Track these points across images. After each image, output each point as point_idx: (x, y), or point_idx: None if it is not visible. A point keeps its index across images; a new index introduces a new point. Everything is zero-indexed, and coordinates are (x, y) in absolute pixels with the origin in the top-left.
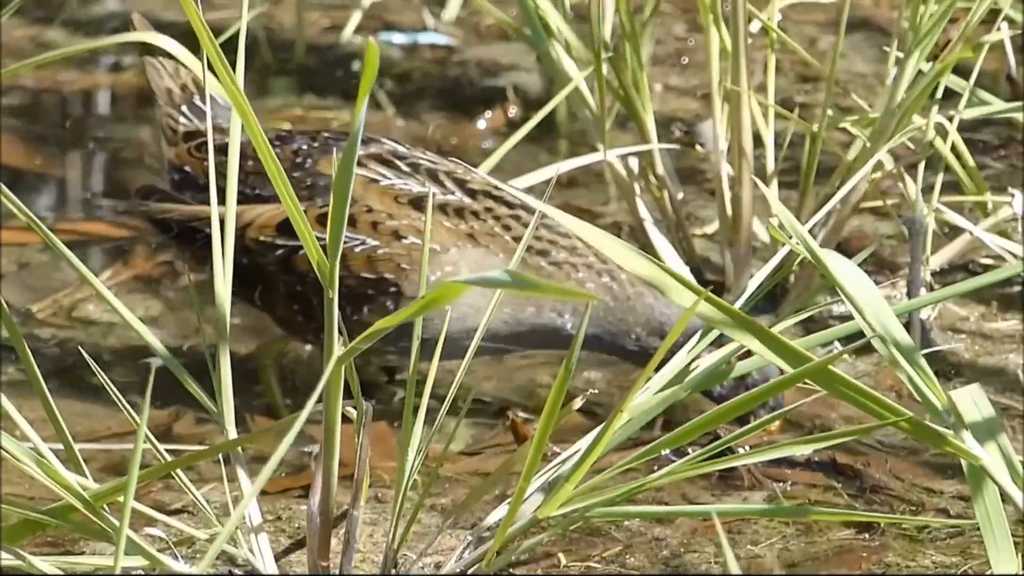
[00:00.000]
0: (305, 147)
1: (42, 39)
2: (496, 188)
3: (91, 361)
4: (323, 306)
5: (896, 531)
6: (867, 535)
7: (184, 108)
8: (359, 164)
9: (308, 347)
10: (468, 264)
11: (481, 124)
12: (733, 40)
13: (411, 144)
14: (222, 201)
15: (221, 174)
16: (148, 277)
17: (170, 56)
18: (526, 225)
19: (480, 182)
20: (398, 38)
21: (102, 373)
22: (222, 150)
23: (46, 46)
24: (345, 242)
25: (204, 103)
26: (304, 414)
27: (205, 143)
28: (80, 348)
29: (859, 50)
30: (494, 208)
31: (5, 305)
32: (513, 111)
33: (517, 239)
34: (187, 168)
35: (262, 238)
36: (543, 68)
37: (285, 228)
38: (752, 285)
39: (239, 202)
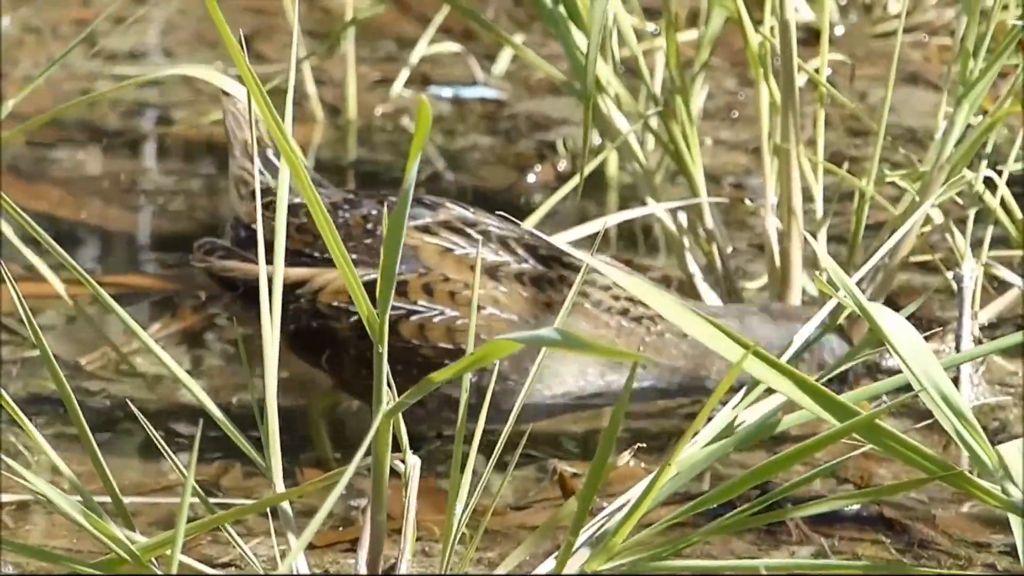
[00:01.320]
0: (375, 212)
1: (91, 91)
2: (565, 254)
3: (139, 414)
4: (397, 375)
5: None
6: None
7: (258, 161)
8: (431, 232)
9: (357, 402)
10: None
11: (531, 178)
12: (783, 94)
13: (468, 203)
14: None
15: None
16: (196, 330)
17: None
18: (603, 289)
19: (548, 248)
20: (448, 92)
21: (150, 426)
22: (292, 211)
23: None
24: (423, 311)
25: (278, 158)
26: (351, 468)
27: (274, 202)
28: (128, 401)
29: (909, 104)
30: (567, 276)
31: (53, 358)
32: (563, 165)
33: (596, 305)
34: (254, 227)
35: (335, 303)
36: (593, 122)
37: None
38: (799, 339)
39: (309, 265)
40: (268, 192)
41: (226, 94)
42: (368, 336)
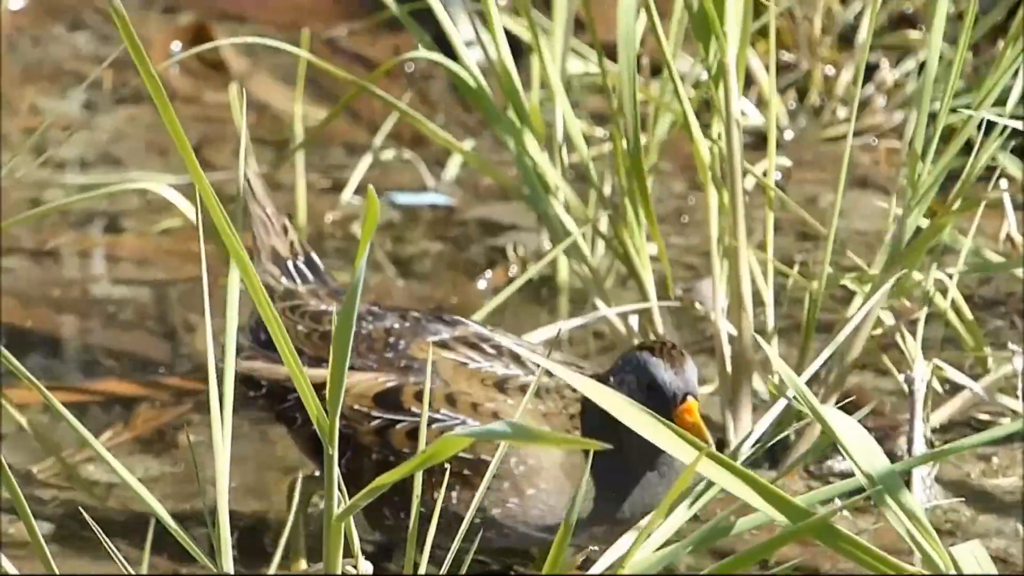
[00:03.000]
0: (397, 326)
1: (41, 200)
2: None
3: (92, 522)
4: (408, 480)
5: None
6: None
7: (289, 266)
8: (447, 347)
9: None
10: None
11: (482, 284)
12: (731, 198)
13: (420, 309)
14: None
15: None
16: (149, 438)
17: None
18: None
19: (557, 359)
20: (398, 198)
21: (103, 534)
22: (316, 317)
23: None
24: (444, 420)
25: (308, 266)
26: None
27: (299, 307)
28: (81, 509)
29: (858, 208)
30: (560, 387)
31: (7, 466)
32: (514, 270)
33: (572, 417)
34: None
35: (357, 407)
36: (543, 227)
37: (382, 400)
38: (751, 439)
39: (322, 367)
40: (292, 296)
41: (258, 202)
42: (388, 444)
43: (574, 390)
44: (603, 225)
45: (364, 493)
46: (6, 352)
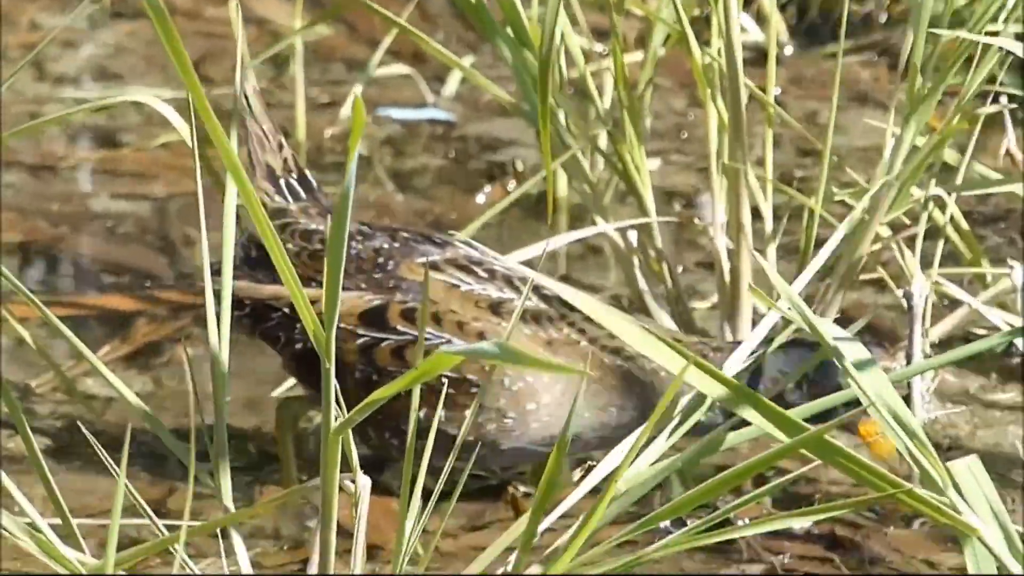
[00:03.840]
0: (386, 246)
1: (40, 114)
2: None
3: (89, 435)
4: (394, 399)
5: None
6: None
7: (282, 184)
8: (438, 269)
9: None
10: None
11: (480, 199)
12: (731, 115)
13: (420, 224)
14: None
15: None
16: (147, 352)
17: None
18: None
19: (550, 288)
20: (397, 114)
21: (100, 448)
22: (306, 236)
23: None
24: (429, 339)
25: (301, 184)
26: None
27: (289, 225)
28: (79, 423)
29: (858, 124)
30: (568, 314)
31: (4, 380)
32: (512, 186)
33: (593, 341)
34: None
35: (342, 325)
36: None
37: (368, 318)
38: (745, 352)
39: (311, 287)
40: (282, 214)
41: (252, 117)
42: (373, 362)
43: (591, 322)
44: (603, 142)
45: (361, 407)
46: (3, 268)
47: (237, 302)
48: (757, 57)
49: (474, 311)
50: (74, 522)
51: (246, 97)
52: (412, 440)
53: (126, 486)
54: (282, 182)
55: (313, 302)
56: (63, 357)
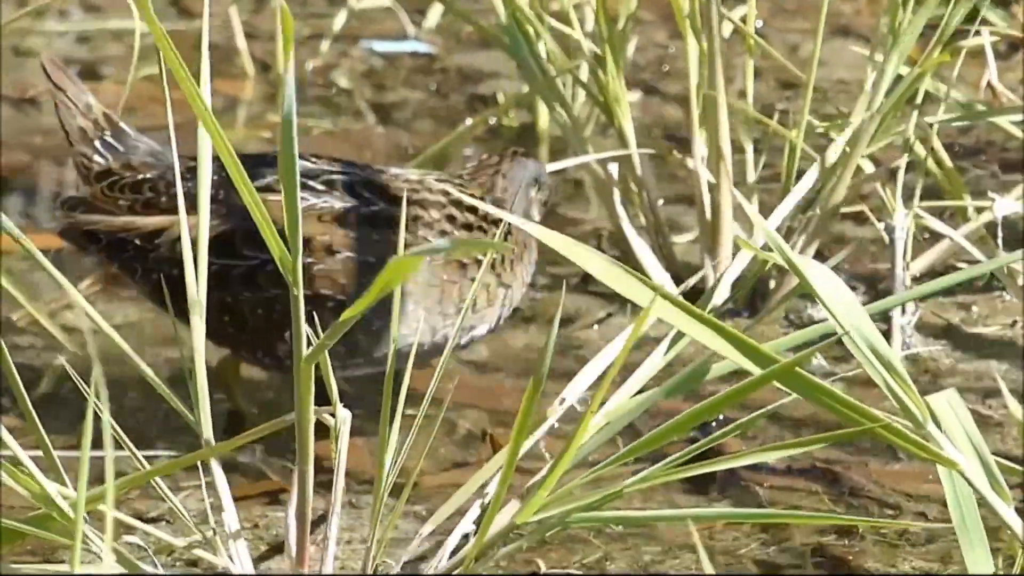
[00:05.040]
0: (216, 177)
1: (20, 47)
2: (414, 191)
3: (69, 368)
4: (253, 322)
5: (875, 536)
6: (846, 540)
7: (97, 145)
8: (273, 190)
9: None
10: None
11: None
12: (709, 47)
13: (403, 157)
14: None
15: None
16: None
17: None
18: (465, 226)
19: (401, 186)
20: (379, 46)
21: (81, 381)
22: (135, 188)
23: (25, 53)
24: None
25: (116, 139)
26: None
27: (116, 182)
28: (60, 357)
29: (840, 57)
30: (423, 215)
31: None
32: (494, 119)
33: (428, 227)
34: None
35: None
36: (523, 75)
37: (216, 246)
38: (724, 286)
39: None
40: (107, 175)
41: (56, 87)
42: (225, 285)
43: (444, 208)
44: (584, 75)
45: (331, 332)
46: None
47: (93, 236)
48: None
49: (318, 227)
50: (56, 454)
51: (44, 68)
52: (391, 373)
53: (108, 421)
54: (97, 143)
55: (161, 231)
56: (43, 290)
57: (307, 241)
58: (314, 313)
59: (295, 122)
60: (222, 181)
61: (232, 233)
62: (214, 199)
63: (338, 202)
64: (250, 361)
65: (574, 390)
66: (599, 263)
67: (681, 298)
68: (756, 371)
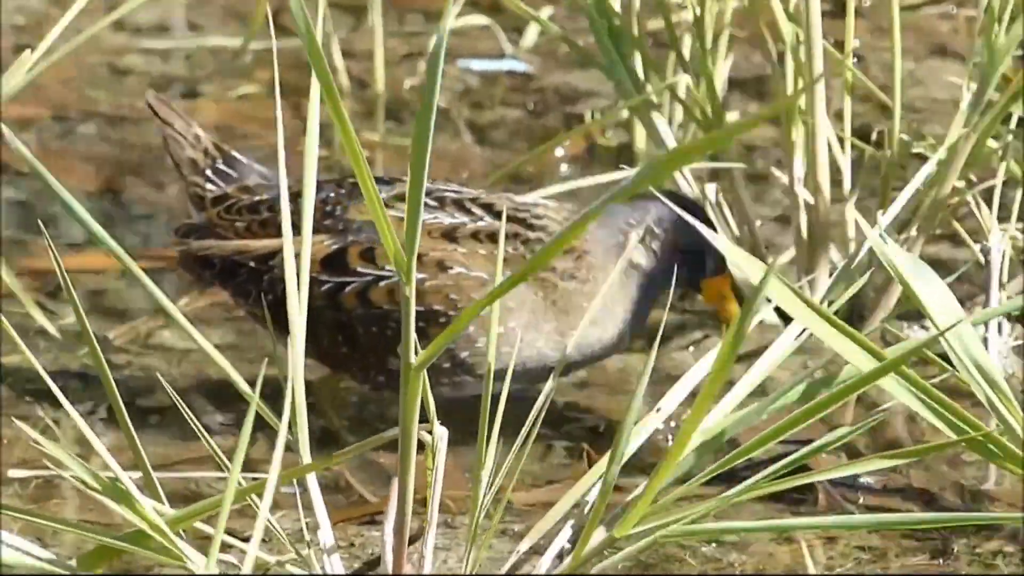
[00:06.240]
0: (333, 195)
1: (118, 65)
2: (523, 211)
3: (168, 387)
4: (365, 339)
5: (970, 556)
6: (941, 560)
7: (209, 173)
8: (388, 206)
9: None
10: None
11: (559, 151)
12: (807, 71)
13: (497, 179)
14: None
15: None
16: (224, 304)
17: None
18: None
19: (508, 205)
20: (476, 65)
21: (179, 399)
22: (252, 209)
23: (123, 72)
24: (391, 276)
25: (228, 165)
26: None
27: (233, 205)
28: (158, 375)
29: (936, 77)
30: (521, 232)
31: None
32: (592, 138)
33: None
34: (219, 231)
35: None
36: (618, 92)
37: (330, 264)
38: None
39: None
40: (224, 199)
41: (163, 121)
42: (341, 306)
43: (535, 231)
44: (682, 93)
45: (436, 344)
46: (87, 216)
47: (207, 261)
48: (835, 9)
49: (429, 242)
50: (154, 475)
51: (150, 105)
52: (489, 388)
53: (205, 438)
54: (208, 172)
55: (273, 254)
56: (139, 310)
57: (419, 256)
58: (427, 330)
59: (431, 131)
60: (339, 199)
61: (344, 250)
62: (330, 216)
63: (448, 218)
64: (360, 380)
65: (671, 401)
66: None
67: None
68: (865, 366)
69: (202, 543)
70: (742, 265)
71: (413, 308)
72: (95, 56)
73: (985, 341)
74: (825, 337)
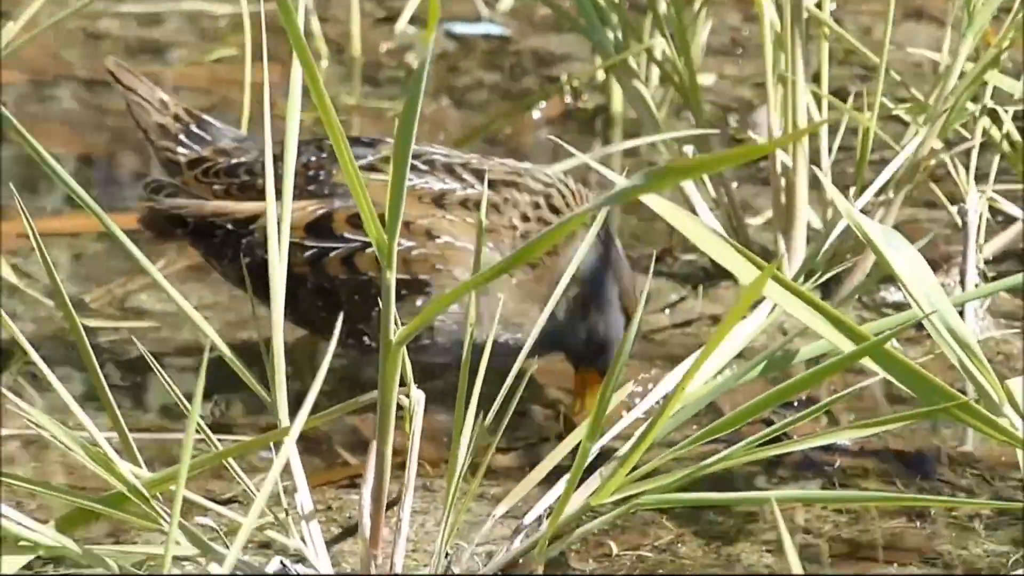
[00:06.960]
0: (314, 159)
1: (94, 29)
2: (519, 174)
3: (143, 349)
4: (348, 305)
5: (948, 519)
6: (919, 523)
7: (182, 137)
8: (375, 169)
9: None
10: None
11: (536, 115)
12: (786, 30)
13: (476, 141)
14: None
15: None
16: (201, 267)
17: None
18: (552, 208)
19: (499, 170)
20: (453, 28)
21: (155, 363)
22: (230, 171)
23: (99, 36)
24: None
25: (201, 129)
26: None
27: (211, 168)
28: (133, 338)
29: (914, 39)
30: (511, 196)
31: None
32: (568, 100)
33: (540, 221)
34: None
35: (291, 239)
36: (598, 57)
37: (315, 229)
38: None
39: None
40: (201, 161)
41: (126, 88)
42: (326, 270)
43: (535, 195)
44: (659, 55)
45: (418, 321)
46: (67, 177)
47: (180, 220)
48: None
49: (418, 207)
50: (131, 437)
51: (111, 72)
52: (468, 354)
53: (181, 400)
54: (181, 136)
55: (256, 217)
56: (116, 272)
57: (407, 223)
58: (409, 297)
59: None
60: (321, 163)
61: (330, 215)
62: (314, 180)
63: (438, 183)
64: (339, 344)
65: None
66: (712, 240)
67: (783, 275)
68: (846, 350)
69: (185, 507)
70: (740, 269)
71: (393, 285)
72: (71, 20)
73: (962, 304)
74: (815, 326)
